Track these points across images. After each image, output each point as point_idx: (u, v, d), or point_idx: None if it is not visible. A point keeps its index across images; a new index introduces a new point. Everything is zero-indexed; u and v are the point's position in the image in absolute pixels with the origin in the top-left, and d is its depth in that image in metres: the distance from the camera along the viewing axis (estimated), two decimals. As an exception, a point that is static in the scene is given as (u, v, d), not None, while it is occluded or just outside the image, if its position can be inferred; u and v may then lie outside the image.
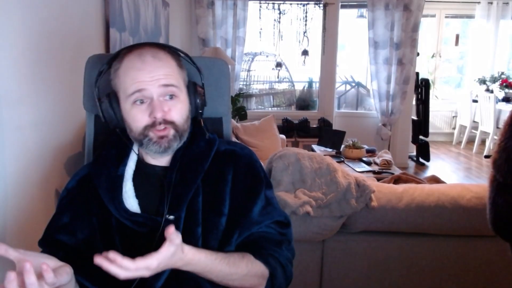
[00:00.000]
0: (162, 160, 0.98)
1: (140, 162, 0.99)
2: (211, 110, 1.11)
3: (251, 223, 0.94)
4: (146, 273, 0.73)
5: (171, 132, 0.91)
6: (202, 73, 1.02)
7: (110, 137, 1.05)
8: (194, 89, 0.98)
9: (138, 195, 0.95)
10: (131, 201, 0.93)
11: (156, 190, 0.95)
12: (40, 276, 0.68)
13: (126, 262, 0.69)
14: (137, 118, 0.90)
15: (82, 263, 0.85)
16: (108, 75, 0.97)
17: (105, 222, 0.93)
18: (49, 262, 0.74)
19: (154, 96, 0.89)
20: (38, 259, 0.73)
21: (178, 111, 0.92)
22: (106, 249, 0.89)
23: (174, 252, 0.74)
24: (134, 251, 0.89)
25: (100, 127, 1.16)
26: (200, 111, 1.00)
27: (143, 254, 0.88)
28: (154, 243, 0.88)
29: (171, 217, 0.90)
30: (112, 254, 0.68)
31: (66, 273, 0.79)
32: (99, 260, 0.69)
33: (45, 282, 0.69)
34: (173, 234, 0.72)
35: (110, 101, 0.94)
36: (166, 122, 0.90)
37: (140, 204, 0.94)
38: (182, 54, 1.00)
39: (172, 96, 0.91)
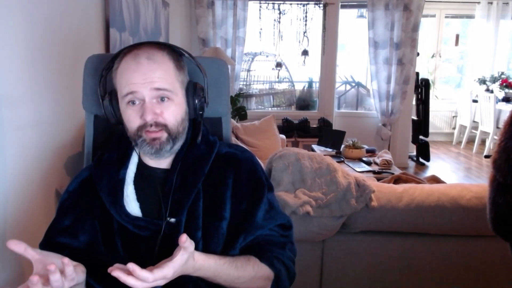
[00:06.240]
0: (162, 163, 0.98)
1: (141, 164, 0.99)
2: (211, 110, 1.11)
3: (256, 228, 0.94)
4: (162, 283, 0.73)
5: (164, 135, 0.91)
6: (205, 73, 1.02)
7: (111, 138, 1.05)
8: (193, 90, 0.97)
9: (139, 198, 0.95)
10: (132, 205, 0.93)
11: (157, 193, 0.95)
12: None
13: (144, 273, 0.68)
14: (130, 118, 0.91)
15: (86, 264, 0.85)
16: (111, 74, 0.97)
17: (107, 225, 0.93)
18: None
19: (146, 98, 0.89)
20: (56, 259, 0.74)
21: (171, 113, 0.91)
22: (108, 252, 0.90)
23: (187, 259, 0.74)
24: (135, 254, 0.90)
25: (99, 127, 1.16)
26: (201, 113, 1.00)
27: (145, 257, 0.88)
28: (156, 246, 0.88)
29: (173, 219, 0.90)
30: (131, 266, 0.67)
31: (82, 271, 0.81)
32: (116, 273, 0.68)
33: (65, 275, 0.71)
34: (186, 242, 0.72)
35: (111, 98, 0.95)
36: (158, 124, 0.90)
37: (141, 207, 0.94)
38: (186, 55, 1.00)
39: (165, 99, 0.91)
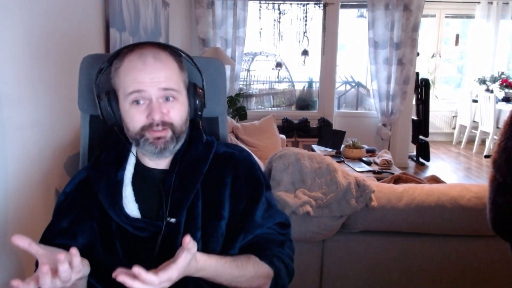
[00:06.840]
0: (161, 163, 0.97)
1: (139, 165, 0.98)
2: (208, 110, 1.11)
3: (255, 227, 0.95)
4: (167, 285, 0.72)
5: (168, 133, 0.91)
6: (203, 74, 1.02)
7: (108, 139, 1.04)
8: (194, 90, 0.98)
9: (137, 199, 0.94)
10: (131, 206, 0.93)
11: (155, 194, 0.95)
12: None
13: (150, 277, 0.67)
14: (135, 118, 0.90)
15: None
16: (108, 74, 0.96)
17: (105, 227, 0.92)
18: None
19: (153, 98, 0.89)
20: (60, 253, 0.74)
21: (177, 112, 0.92)
22: (107, 254, 0.90)
23: (190, 260, 0.74)
24: (135, 255, 0.89)
25: (95, 127, 1.15)
26: (200, 113, 1.00)
27: (144, 258, 0.88)
28: (156, 247, 0.88)
29: (173, 220, 0.90)
30: (137, 269, 0.67)
31: (87, 265, 0.81)
32: (121, 278, 0.67)
33: (73, 266, 0.71)
34: (190, 243, 0.71)
35: (109, 99, 0.94)
36: (164, 123, 0.90)
37: (140, 208, 0.94)
38: (183, 55, 1.00)
39: (170, 98, 0.91)
